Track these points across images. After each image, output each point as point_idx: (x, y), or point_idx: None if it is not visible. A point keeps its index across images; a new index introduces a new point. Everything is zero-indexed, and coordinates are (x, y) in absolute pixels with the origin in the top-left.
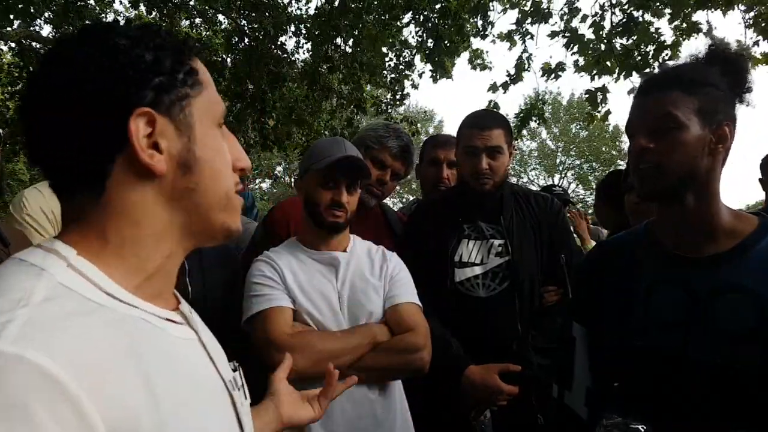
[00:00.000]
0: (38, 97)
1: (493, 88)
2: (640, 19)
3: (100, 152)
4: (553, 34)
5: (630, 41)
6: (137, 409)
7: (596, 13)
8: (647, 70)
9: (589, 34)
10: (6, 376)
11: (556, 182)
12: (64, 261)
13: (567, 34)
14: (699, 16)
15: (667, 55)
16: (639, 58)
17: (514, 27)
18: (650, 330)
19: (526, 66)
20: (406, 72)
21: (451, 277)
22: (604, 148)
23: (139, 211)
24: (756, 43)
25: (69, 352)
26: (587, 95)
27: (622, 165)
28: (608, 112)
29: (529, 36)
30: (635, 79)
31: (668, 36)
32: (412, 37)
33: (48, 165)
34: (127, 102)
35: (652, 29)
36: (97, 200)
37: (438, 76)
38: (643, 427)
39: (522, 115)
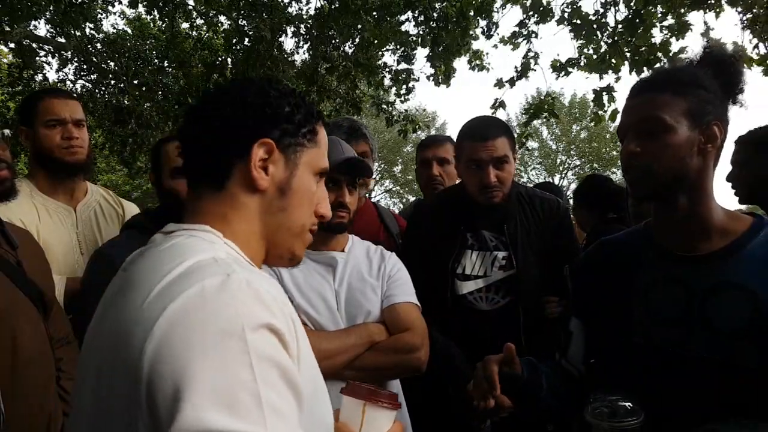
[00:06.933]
0: (204, 105)
1: (500, 84)
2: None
3: (229, 155)
4: (561, 20)
5: (633, 40)
6: (291, 332)
7: (597, 11)
8: (658, 65)
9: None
10: (243, 291)
11: (556, 182)
12: (219, 238)
13: (573, 23)
14: (693, 17)
15: (658, 56)
16: (647, 53)
17: (516, 29)
18: (649, 327)
19: (533, 65)
20: (408, 67)
21: (452, 290)
22: (604, 149)
23: (248, 213)
24: (756, 46)
25: (261, 283)
26: (594, 95)
27: None
28: (616, 111)
29: (534, 35)
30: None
31: (659, 38)
32: (414, 37)
33: (190, 159)
34: (259, 131)
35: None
36: (218, 194)
37: (440, 79)
38: (629, 404)
39: (532, 111)
